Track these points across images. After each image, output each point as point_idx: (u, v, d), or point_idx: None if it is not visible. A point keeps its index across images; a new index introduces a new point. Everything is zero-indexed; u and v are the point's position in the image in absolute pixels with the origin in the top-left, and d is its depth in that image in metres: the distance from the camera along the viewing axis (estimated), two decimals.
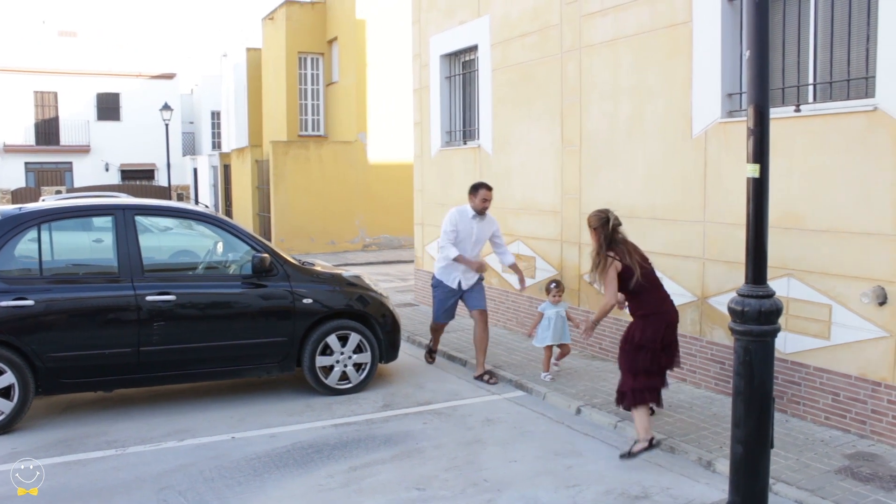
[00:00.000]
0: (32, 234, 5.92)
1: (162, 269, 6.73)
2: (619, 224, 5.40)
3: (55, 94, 36.51)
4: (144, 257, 6.13)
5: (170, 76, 38.88)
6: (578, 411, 6.10)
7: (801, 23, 5.71)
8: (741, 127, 5.73)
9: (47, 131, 36.44)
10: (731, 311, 3.95)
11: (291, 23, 21.38)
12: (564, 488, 4.67)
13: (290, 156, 19.37)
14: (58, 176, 36.58)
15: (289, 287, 6.47)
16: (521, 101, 8.76)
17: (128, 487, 4.74)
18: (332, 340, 6.61)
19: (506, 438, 5.59)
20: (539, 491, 4.63)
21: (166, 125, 28.82)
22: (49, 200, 14.34)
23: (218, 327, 6.28)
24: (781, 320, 4.05)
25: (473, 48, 9.87)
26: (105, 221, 6.30)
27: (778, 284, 5.53)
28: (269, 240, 18.62)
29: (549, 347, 6.93)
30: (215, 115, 38.40)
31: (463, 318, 7.67)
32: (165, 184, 33.20)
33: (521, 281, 7.31)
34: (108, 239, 6.20)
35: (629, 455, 5.14)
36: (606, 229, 5.34)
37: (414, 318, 10.17)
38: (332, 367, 6.63)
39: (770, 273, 4.12)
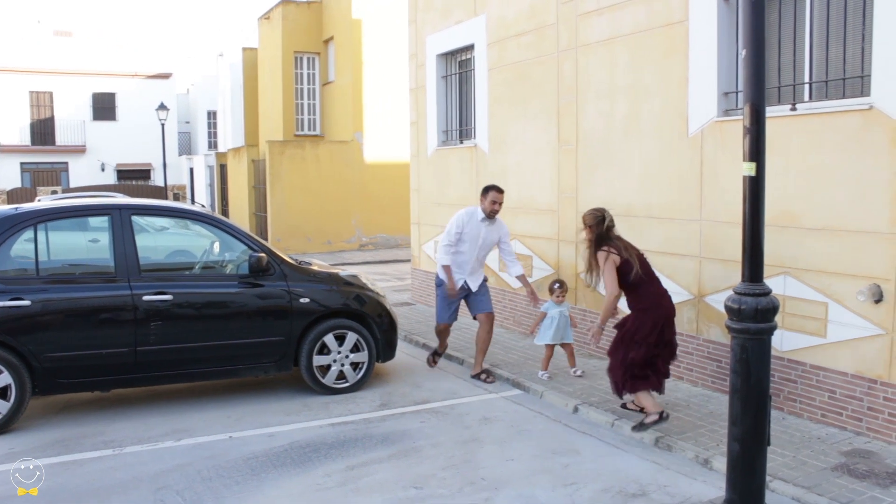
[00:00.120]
0: (29, 234, 5.91)
1: (159, 269, 6.72)
2: (614, 225, 5.51)
3: (50, 94, 36.39)
4: (141, 257, 6.11)
5: (166, 76, 38.80)
6: (576, 410, 6.10)
7: (797, 22, 5.72)
8: (737, 126, 5.74)
9: (43, 131, 36.33)
10: (727, 309, 3.96)
11: (288, 22, 21.36)
12: (562, 486, 4.67)
13: (286, 155, 19.35)
14: (53, 176, 36.48)
15: (286, 286, 6.47)
16: (518, 101, 8.77)
17: (125, 487, 4.73)
18: (330, 340, 6.60)
19: (503, 437, 5.59)
20: (536, 489, 4.63)
21: (162, 125, 28.79)
22: (45, 200, 14.31)
23: (215, 327, 6.27)
24: (778, 318, 4.07)
25: (470, 47, 9.88)
26: (101, 221, 6.29)
27: (774, 282, 5.54)
28: (266, 239, 18.62)
29: (551, 347, 6.94)
30: (211, 115, 38.37)
31: (462, 317, 7.67)
32: (162, 184, 33.11)
33: (533, 296, 7.00)
34: (105, 239, 6.19)
35: (641, 427, 5.36)
36: (601, 227, 5.43)
37: (411, 317, 10.17)
38: (329, 367, 6.63)
39: (766, 271, 4.14)
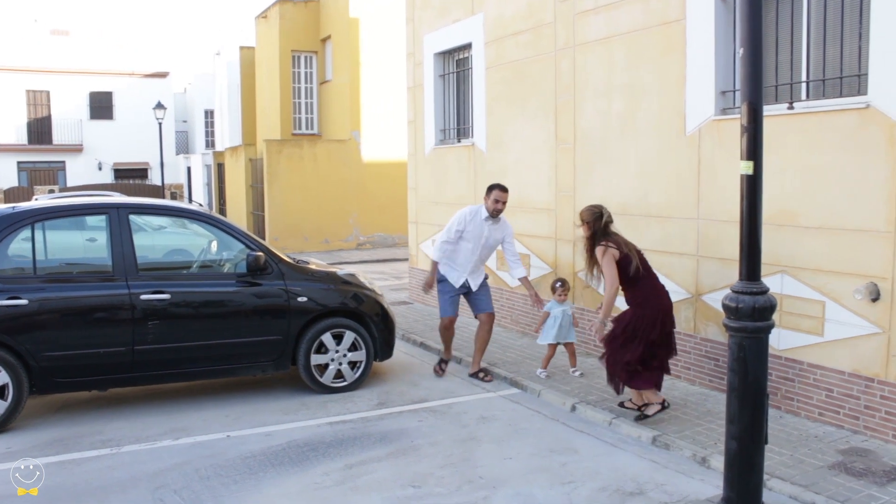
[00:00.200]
0: (26, 233, 5.90)
1: (156, 268, 6.71)
2: (612, 221, 5.54)
3: (47, 93, 36.35)
4: (139, 256, 6.10)
5: (163, 75, 38.76)
6: (573, 408, 6.11)
7: (794, 20, 5.73)
8: (735, 124, 5.75)
9: (40, 130, 36.28)
10: (725, 307, 3.97)
11: (285, 21, 21.34)
12: (559, 485, 4.68)
13: (283, 154, 19.34)
14: (50, 175, 36.44)
15: (283, 285, 6.47)
16: (515, 99, 8.77)
17: (123, 486, 4.73)
18: (327, 339, 6.60)
19: (501, 436, 5.60)
20: (534, 488, 4.64)
21: (159, 124, 28.73)
22: (42, 199, 14.28)
23: (213, 326, 6.27)
24: (775, 317, 4.08)
25: (467, 46, 9.87)
26: (99, 220, 6.28)
27: (772, 281, 5.55)
28: (263, 238, 18.60)
29: (553, 346, 6.94)
30: (209, 114, 38.35)
31: (461, 317, 7.66)
32: (159, 183, 33.10)
33: (536, 299, 6.90)
34: (102, 238, 6.18)
35: (644, 417, 5.38)
36: (599, 224, 5.47)
37: (409, 316, 10.17)
38: (327, 366, 6.63)
39: (764, 270, 4.14)
